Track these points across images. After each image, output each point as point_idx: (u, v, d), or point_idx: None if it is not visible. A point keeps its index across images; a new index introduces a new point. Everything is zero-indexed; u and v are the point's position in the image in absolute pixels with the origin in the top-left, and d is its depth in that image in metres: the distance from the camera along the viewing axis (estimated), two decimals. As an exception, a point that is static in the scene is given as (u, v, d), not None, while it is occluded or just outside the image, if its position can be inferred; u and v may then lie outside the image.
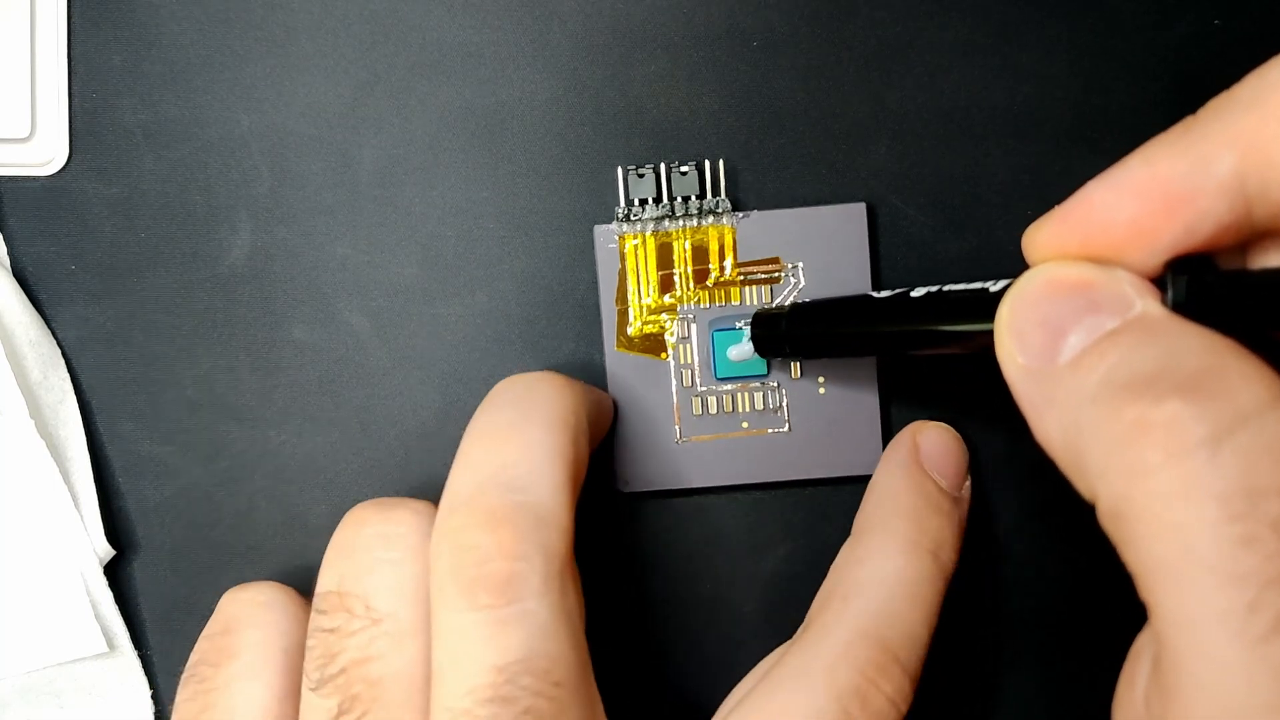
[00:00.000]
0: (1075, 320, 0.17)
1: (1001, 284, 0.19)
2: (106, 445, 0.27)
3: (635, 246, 0.26)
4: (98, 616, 0.26)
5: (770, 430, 0.26)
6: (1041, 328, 0.17)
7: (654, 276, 0.26)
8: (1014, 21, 0.26)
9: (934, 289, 0.21)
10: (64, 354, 0.26)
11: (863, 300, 0.23)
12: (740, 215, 0.26)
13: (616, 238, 0.26)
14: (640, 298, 0.26)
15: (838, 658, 0.22)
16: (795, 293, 0.26)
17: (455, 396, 0.27)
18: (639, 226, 0.26)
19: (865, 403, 0.26)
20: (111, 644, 0.26)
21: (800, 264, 0.26)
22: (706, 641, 0.27)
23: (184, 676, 0.23)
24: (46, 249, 0.26)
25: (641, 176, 0.26)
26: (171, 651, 0.27)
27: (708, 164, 0.26)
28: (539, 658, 0.20)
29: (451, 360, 0.27)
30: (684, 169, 0.26)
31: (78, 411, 0.26)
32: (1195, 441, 0.14)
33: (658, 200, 0.26)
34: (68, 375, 0.26)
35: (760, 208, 0.26)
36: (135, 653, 0.27)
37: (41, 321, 0.26)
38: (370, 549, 0.22)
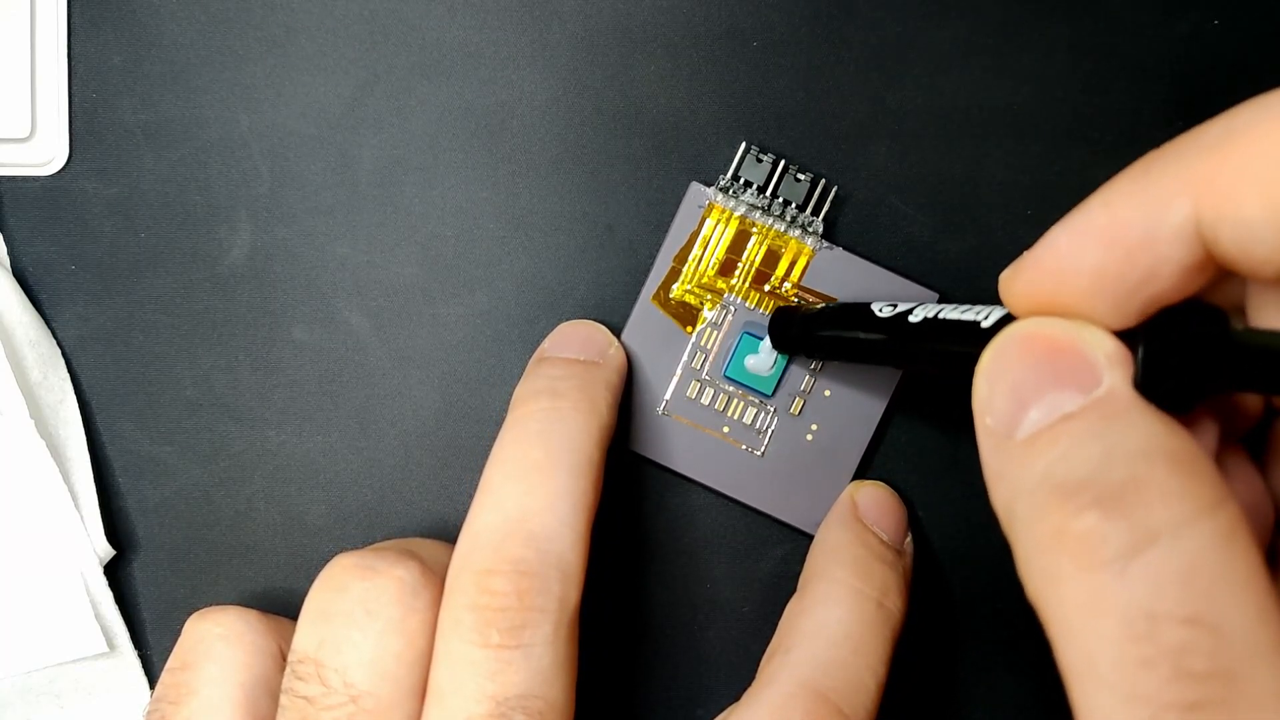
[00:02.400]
0: (1039, 394, 0.16)
1: (994, 317, 0.19)
2: (106, 445, 0.27)
3: (719, 220, 0.26)
4: (98, 616, 0.26)
5: (745, 446, 0.26)
6: (1010, 394, 0.17)
7: (720, 255, 0.26)
8: (1014, 21, 0.26)
9: (932, 314, 0.20)
10: (64, 354, 0.26)
11: (866, 314, 0.22)
12: (826, 245, 0.26)
13: (707, 202, 0.26)
14: (697, 266, 0.26)
15: (777, 710, 0.22)
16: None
17: (455, 396, 0.27)
18: (732, 204, 0.26)
19: (842, 465, 0.26)
20: (111, 644, 0.26)
21: None
22: (704, 642, 0.27)
23: (147, 711, 0.24)
24: (46, 249, 0.27)
25: (760, 161, 0.26)
26: (171, 652, 0.27)
27: (823, 182, 0.26)
28: (535, 698, 0.21)
29: (451, 360, 0.27)
30: (800, 176, 0.26)
31: (78, 411, 0.26)
32: (1106, 558, 0.14)
33: (761, 189, 0.26)
34: (68, 375, 0.26)
35: (845, 244, 0.26)
36: (135, 653, 0.27)
37: (41, 321, 0.26)
38: (351, 617, 0.22)
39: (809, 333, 0.24)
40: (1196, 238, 0.16)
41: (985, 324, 0.19)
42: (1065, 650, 0.15)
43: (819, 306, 0.25)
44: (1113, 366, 0.16)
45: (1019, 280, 0.18)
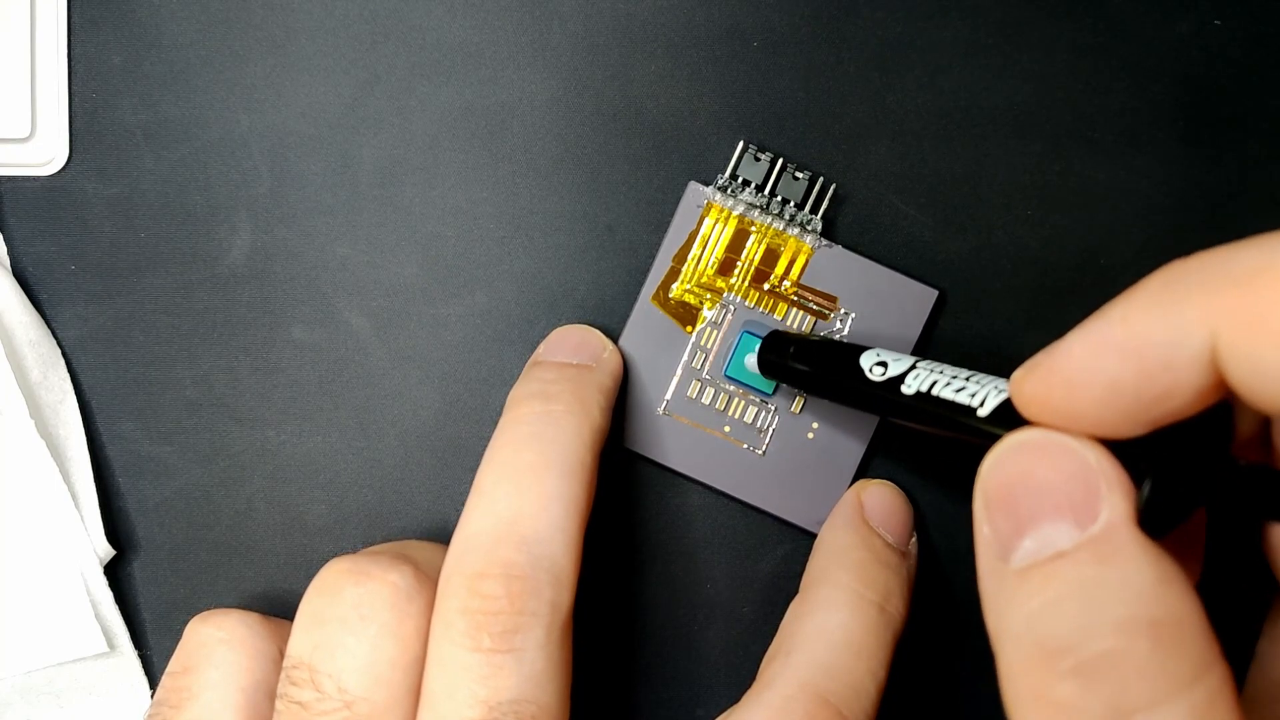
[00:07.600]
0: (1035, 521, 0.16)
1: (992, 404, 0.18)
2: (106, 445, 0.27)
3: (717, 219, 0.26)
4: (98, 616, 0.26)
5: (746, 445, 0.26)
6: (1008, 514, 0.17)
7: (719, 254, 0.26)
8: (1014, 21, 0.26)
9: (926, 386, 0.20)
10: (64, 354, 0.26)
11: (858, 376, 0.22)
12: (825, 243, 0.26)
13: (706, 201, 0.26)
14: (697, 265, 0.26)
15: (776, 712, 0.22)
16: (832, 336, 0.26)
17: (455, 396, 0.27)
18: (731, 203, 0.26)
19: (843, 463, 0.26)
20: (111, 644, 0.26)
21: (853, 314, 0.26)
22: (704, 643, 0.27)
23: (147, 715, 0.24)
24: (46, 249, 0.27)
25: (758, 160, 0.26)
26: (171, 651, 0.27)
27: (821, 180, 0.26)
28: (528, 702, 0.21)
29: (451, 360, 0.27)
30: (799, 174, 0.26)
31: (78, 411, 0.26)
32: None
33: (760, 188, 0.26)
34: (68, 375, 0.26)
35: (845, 243, 0.26)
36: (135, 653, 0.27)
37: (41, 321, 0.26)
38: (344, 622, 0.22)
39: (798, 365, 0.24)
40: (1213, 363, 0.16)
41: (982, 412, 0.19)
42: None
43: (812, 339, 0.25)
44: (1112, 493, 0.16)
45: (1031, 383, 0.17)
